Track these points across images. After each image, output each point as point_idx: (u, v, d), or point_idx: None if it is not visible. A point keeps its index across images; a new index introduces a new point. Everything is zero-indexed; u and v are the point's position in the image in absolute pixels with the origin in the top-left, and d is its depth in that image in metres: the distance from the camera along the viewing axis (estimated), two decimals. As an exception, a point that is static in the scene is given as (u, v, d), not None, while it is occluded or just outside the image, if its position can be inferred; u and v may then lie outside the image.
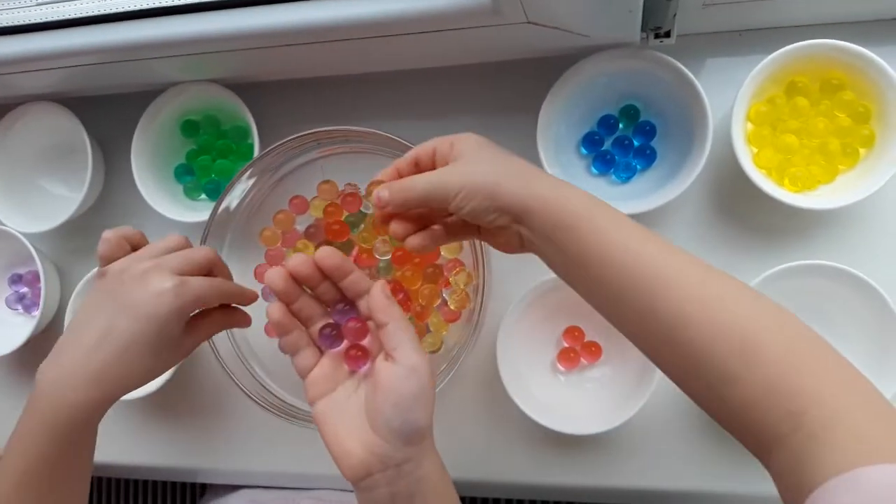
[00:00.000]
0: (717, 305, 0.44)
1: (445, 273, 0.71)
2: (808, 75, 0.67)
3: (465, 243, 0.71)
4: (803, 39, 0.64)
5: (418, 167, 0.55)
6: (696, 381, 0.45)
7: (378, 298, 0.51)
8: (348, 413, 0.51)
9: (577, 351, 0.73)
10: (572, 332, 0.73)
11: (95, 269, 0.79)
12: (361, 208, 0.73)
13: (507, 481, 0.76)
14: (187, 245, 0.60)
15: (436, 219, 0.56)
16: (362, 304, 0.54)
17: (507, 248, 0.54)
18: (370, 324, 0.54)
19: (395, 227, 0.54)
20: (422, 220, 0.55)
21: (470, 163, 0.52)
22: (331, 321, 0.54)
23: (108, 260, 0.57)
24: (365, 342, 0.54)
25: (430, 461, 0.51)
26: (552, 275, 0.68)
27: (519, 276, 0.72)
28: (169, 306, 0.54)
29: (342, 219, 0.72)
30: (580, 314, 0.73)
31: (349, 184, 0.74)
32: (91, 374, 0.53)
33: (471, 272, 0.71)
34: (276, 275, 0.52)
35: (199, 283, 0.56)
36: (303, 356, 0.54)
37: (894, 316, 0.64)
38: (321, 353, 0.54)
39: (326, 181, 0.73)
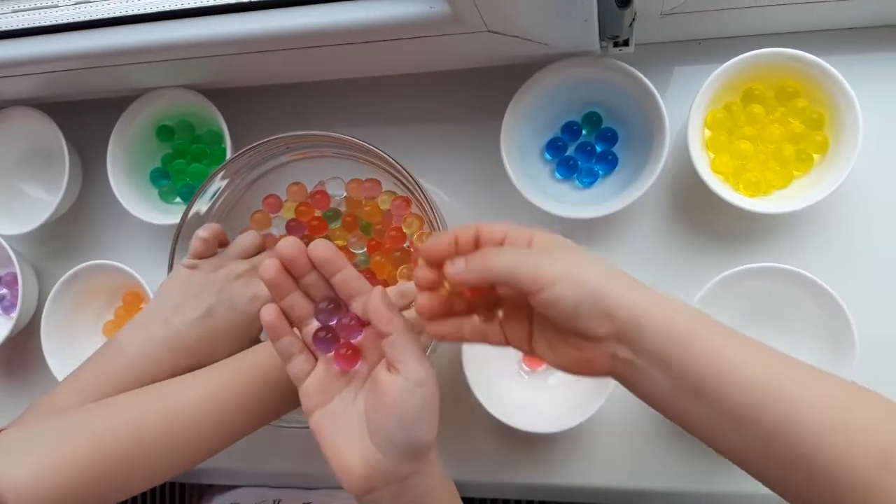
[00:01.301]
0: (860, 426, 0.39)
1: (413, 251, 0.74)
2: (764, 83, 0.69)
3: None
4: (760, 48, 0.66)
5: (477, 246, 0.47)
6: (822, 495, 0.40)
7: (378, 308, 0.47)
8: (347, 425, 0.49)
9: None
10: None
11: (70, 271, 0.81)
12: (331, 205, 0.76)
13: (472, 480, 0.77)
14: (263, 243, 0.71)
15: (480, 306, 0.49)
16: (355, 305, 0.50)
17: (585, 369, 0.46)
18: (365, 334, 0.51)
19: (424, 300, 0.48)
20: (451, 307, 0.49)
21: (568, 254, 0.45)
22: (327, 325, 0.50)
23: (199, 255, 0.67)
24: (358, 339, 0.51)
25: (435, 472, 0.50)
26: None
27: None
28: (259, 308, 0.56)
29: (316, 215, 0.75)
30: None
31: (317, 183, 0.76)
32: (183, 347, 0.63)
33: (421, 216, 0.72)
34: (269, 265, 0.49)
35: None
36: (296, 362, 0.51)
37: (845, 315, 0.65)
38: (315, 359, 0.51)
39: (295, 183, 0.75)
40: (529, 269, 0.43)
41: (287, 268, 0.50)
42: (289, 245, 0.49)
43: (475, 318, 0.49)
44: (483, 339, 0.49)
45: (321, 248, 0.49)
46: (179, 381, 0.58)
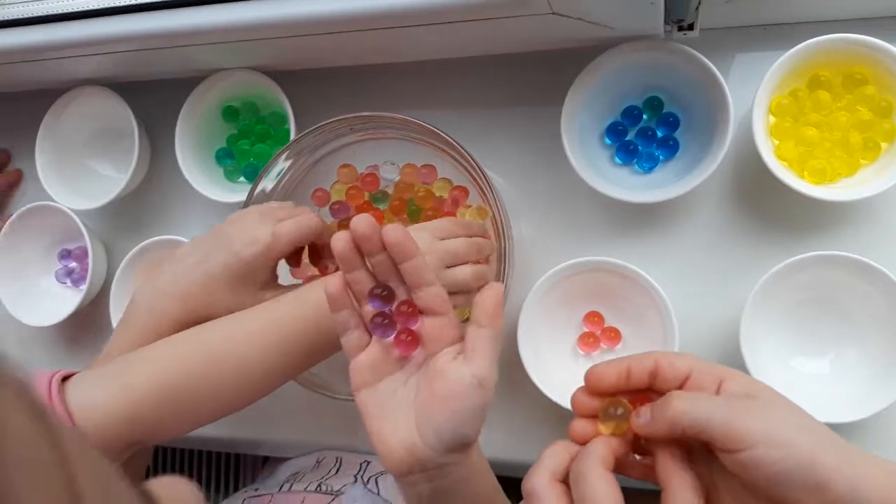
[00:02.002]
0: None
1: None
2: (831, 69, 0.68)
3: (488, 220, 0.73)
4: (827, 34, 0.65)
5: (652, 383, 0.44)
6: None
7: (490, 302, 0.48)
8: (393, 408, 0.49)
9: (596, 336, 0.75)
10: (592, 318, 0.75)
11: (138, 246, 0.84)
12: (380, 187, 0.77)
13: (523, 460, 0.78)
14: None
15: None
16: (420, 294, 0.50)
17: None
18: (428, 323, 0.51)
19: (580, 428, 0.46)
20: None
21: (772, 407, 0.40)
22: (383, 311, 0.50)
23: None
24: (416, 326, 0.51)
25: (472, 462, 0.51)
26: (574, 258, 0.70)
27: (541, 260, 0.74)
28: (256, 253, 0.61)
29: (366, 199, 0.76)
30: (601, 299, 0.75)
31: (370, 166, 0.77)
32: (180, 293, 0.62)
33: (483, 207, 0.73)
34: (340, 238, 0.49)
35: (287, 229, 0.62)
36: (351, 337, 0.51)
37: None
38: (370, 336, 0.52)
39: (345, 165, 0.77)
40: (722, 430, 0.38)
41: (358, 244, 0.50)
42: (363, 222, 0.49)
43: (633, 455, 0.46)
44: (640, 477, 0.46)
45: (394, 231, 0.48)
46: (244, 313, 0.60)
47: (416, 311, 0.50)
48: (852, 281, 0.67)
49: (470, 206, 0.75)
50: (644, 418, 0.42)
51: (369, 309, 0.51)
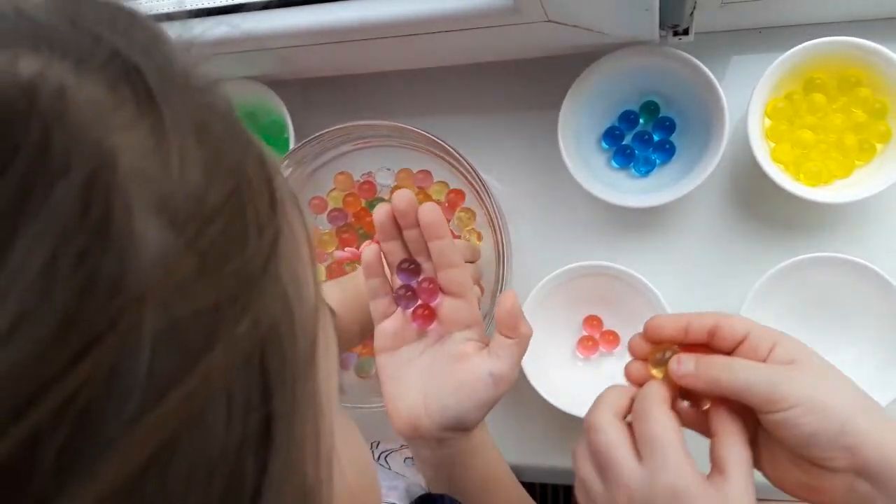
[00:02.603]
0: None
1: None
2: (826, 72, 0.68)
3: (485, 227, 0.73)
4: (822, 37, 0.66)
5: (709, 341, 0.47)
6: None
7: (510, 314, 0.51)
8: (406, 375, 0.53)
9: (595, 339, 0.75)
10: (591, 321, 0.75)
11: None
12: (377, 194, 0.77)
13: (527, 464, 0.78)
14: None
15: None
16: (443, 274, 0.52)
17: (809, 495, 0.44)
18: (447, 303, 0.53)
19: (635, 369, 0.50)
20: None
21: (812, 374, 0.43)
22: (408, 284, 0.54)
23: None
24: (436, 303, 0.53)
25: (474, 437, 0.54)
26: (574, 263, 0.71)
27: (539, 265, 0.74)
28: None
29: (363, 206, 0.77)
30: (600, 303, 0.75)
31: (365, 173, 0.77)
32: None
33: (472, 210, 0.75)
34: (381, 209, 0.52)
35: None
36: (380, 302, 0.54)
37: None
38: (397, 306, 0.55)
39: (342, 172, 0.77)
40: (764, 389, 0.41)
41: (396, 217, 0.52)
42: (403, 198, 0.51)
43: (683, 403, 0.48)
44: (687, 425, 0.47)
45: (429, 211, 0.51)
46: None
47: (437, 289, 0.53)
48: (848, 282, 0.67)
49: (468, 210, 0.75)
50: (686, 368, 0.45)
51: (397, 280, 0.54)
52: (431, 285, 0.53)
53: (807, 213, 0.71)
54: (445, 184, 0.76)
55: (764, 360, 0.45)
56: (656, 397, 0.45)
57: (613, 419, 0.46)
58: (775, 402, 0.41)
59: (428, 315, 0.53)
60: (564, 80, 0.72)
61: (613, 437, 0.45)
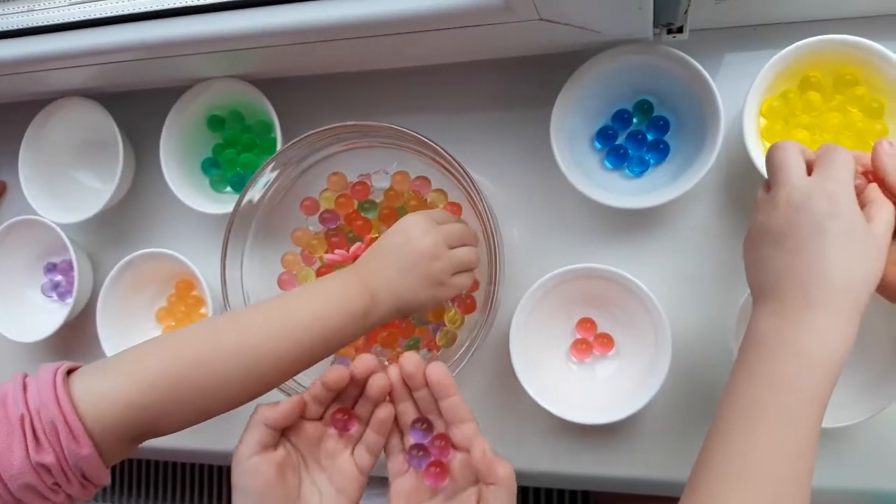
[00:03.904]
0: None
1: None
2: (822, 70, 0.67)
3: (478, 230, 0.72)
4: (817, 34, 0.65)
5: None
6: None
7: (484, 458, 0.53)
8: None
9: (589, 342, 0.74)
10: (585, 324, 0.74)
11: (124, 260, 0.82)
12: (370, 196, 0.76)
13: (522, 469, 0.77)
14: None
15: None
16: (455, 431, 0.56)
17: None
18: (458, 459, 0.56)
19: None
20: None
21: None
22: (420, 443, 0.56)
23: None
24: (448, 459, 0.56)
25: None
26: (567, 265, 0.70)
27: (532, 267, 0.73)
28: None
29: (355, 207, 0.76)
30: (593, 306, 0.74)
31: (362, 175, 0.76)
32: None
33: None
34: (392, 373, 0.56)
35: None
36: (395, 461, 0.57)
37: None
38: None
39: (335, 173, 0.76)
40: None
41: (405, 380, 0.56)
42: (410, 361, 0.56)
43: None
44: None
45: (436, 371, 0.55)
46: (252, 305, 0.61)
47: (449, 445, 0.56)
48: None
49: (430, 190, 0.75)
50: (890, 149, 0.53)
51: (409, 439, 0.57)
52: (443, 442, 0.56)
53: (803, 213, 0.70)
54: (444, 193, 0.75)
55: None
56: (845, 150, 0.53)
57: (796, 147, 0.54)
58: None
59: (440, 473, 0.55)
60: (557, 79, 0.70)
61: (791, 149, 0.54)
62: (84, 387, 0.51)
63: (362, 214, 0.76)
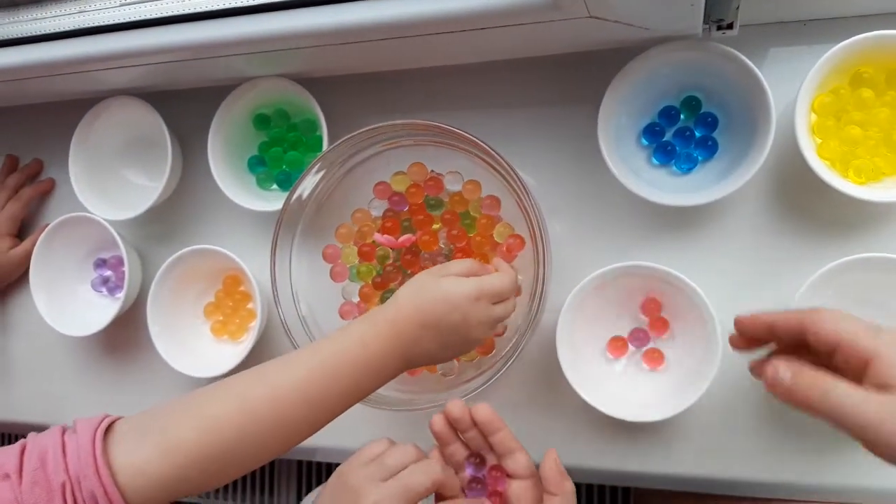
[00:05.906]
0: None
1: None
2: (874, 66, 0.66)
3: (525, 229, 0.72)
4: (868, 29, 0.64)
5: (806, 345, 0.49)
6: None
7: (552, 471, 0.57)
8: None
9: (645, 331, 0.74)
10: (649, 305, 0.74)
11: (173, 256, 0.84)
12: (441, 195, 0.77)
13: (564, 465, 0.77)
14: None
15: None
16: (507, 461, 0.59)
17: None
18: (514, 486, 0.59)
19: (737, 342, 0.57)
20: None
21: None
22: (476, 476, 0.60)
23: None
24: (504, 488, 0.59)
25: None
26: (614, 262, 0.70)
27: (578, 264, 0.73)
28: None
29: (422, 200, 0.77)
30: (639, 305, 0.74)
31: (437, 173, 0.77)
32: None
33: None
34: (437, 420, 0.60)
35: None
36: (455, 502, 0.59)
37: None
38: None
39: (416, 163, 0.76)
40: (850, 418, 0.43)
41: (453, 424, 0.60)
42: (456, 407, 0.59)
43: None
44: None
45: (482, 411, 0.59)
46: (284, 362, 0.60)
47: (505, 475, 0.60)
48: (898, 282, 0.66)
49: (501, 220, 0.75)
50: (783, 376, 0.47)
51: (464, 475, 0.61)
52: (499, 473, 0.60)
53: (855, 211, 0.69)
54: (510, 226, 0.75)
55: (859, 378, 0.45)
56: None
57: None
58: (860, 429, 0.43)
59: (500, 503, 0.60)
60: (603, 76, 0.70)
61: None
62: (124, 459, 0.53)
63: (427, 210, 0.76)
